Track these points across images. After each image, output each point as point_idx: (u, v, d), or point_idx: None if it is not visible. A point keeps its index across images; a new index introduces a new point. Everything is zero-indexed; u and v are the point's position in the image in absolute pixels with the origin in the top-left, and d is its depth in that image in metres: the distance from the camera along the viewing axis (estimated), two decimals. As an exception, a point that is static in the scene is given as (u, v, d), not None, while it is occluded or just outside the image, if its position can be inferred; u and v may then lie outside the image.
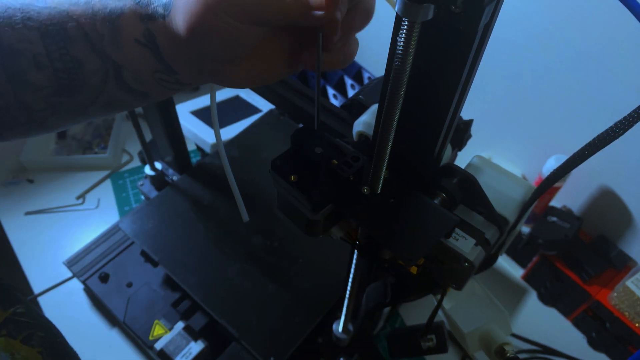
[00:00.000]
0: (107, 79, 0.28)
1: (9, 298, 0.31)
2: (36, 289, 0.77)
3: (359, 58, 0.98)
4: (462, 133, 0.45)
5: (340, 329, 0.58)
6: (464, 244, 0.34)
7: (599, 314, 0.73)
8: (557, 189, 0.79)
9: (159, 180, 0.82)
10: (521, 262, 0.83)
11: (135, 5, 0.26)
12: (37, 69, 0.26)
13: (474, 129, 0.46)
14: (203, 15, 0.24)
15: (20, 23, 0.26)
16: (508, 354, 0.40)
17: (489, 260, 0.42)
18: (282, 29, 0.28)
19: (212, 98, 0.37)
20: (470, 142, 0.47)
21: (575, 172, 0.43)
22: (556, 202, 0.81)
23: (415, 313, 0.77)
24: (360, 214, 0.31)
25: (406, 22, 0.22)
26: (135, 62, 0.27)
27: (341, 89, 1.03)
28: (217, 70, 0.28)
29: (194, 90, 1.10)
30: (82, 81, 0.27)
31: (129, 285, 0.72)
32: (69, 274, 0.76)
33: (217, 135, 0.38)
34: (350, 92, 1.03)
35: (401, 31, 0.23)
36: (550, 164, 0.76)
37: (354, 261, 0.45)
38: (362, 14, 0.27)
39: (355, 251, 0.43)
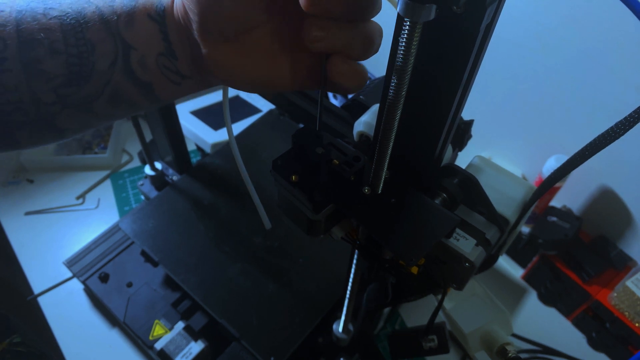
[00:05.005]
0: (115, 62, 0.28)
1: (5, 328, 0.31)
2: (36, 289, 0.77)
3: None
4: (462, 133, 0.45)
5: (340, 329, 0.58)
6: (465, 244, 0.34)
7: (599, 314, 0.73)
8: (557, 189, 0.79)
9: (159, 180, 0.82)
10: (521, 262, 0.83)
11: None
12: (52, 56, 0.27)
13: (474, 129, 0.46)
14: None
15: (42, 13, 0.27)
16: (510, 354, 0.40)
17: (490, 261, 0.42)
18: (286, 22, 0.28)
19: (225, 96, 0.37)
20: (470, 142, 0.47)
21: (575, 172, 0.43)
22: (556, 202, 0.81)
23: (416, 313, 0.77)
24: (361, 214, 0.31)
25: (408, 23, 0.22)
26: (143, 40, 0.28)
27: (341, 89, 1.03)
28: (213, 61, 0.28)
29: (194, 90, 1.10)
30: (92, 66, 0.28)
31: (129, 285, 0.72)
32: (69, 274, 0.76)
33: (230, 135, 0.38)
34: (350, 92, 1.03)
35: (403, 31, 0.23)
36: (551, 164, 0.76)
37: (355, 261, 0.45)
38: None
39: (356, 251, 0.43)
